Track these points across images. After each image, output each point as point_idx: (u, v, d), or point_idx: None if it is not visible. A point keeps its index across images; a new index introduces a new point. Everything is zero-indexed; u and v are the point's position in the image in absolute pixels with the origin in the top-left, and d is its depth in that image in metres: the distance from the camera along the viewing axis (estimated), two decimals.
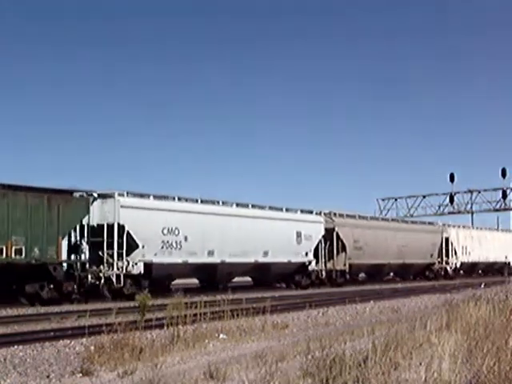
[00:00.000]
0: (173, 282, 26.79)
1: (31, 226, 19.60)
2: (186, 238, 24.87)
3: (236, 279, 29.99)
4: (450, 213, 52.37)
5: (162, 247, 24.05)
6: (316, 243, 31.98)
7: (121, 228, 22.66)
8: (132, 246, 22.95)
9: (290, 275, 31.04)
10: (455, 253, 45.17)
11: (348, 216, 35.91)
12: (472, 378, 5.66)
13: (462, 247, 46.08)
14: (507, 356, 5.97)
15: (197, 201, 26.58)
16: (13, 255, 19.02)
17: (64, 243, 21.19)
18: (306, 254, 31.26)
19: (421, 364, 5.95)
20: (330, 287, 31.81)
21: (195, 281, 28.70)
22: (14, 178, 21.48)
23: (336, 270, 33.50)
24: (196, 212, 25.88)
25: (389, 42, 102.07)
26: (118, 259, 22.53)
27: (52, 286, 20.24)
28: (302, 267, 31.20)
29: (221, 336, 11.51)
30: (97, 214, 22.54)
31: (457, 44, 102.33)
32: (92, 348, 9.66)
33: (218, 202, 27.73)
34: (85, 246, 22.24)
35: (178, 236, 24.62)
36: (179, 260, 24.60)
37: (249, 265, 28.26)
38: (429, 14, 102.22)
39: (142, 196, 24.42)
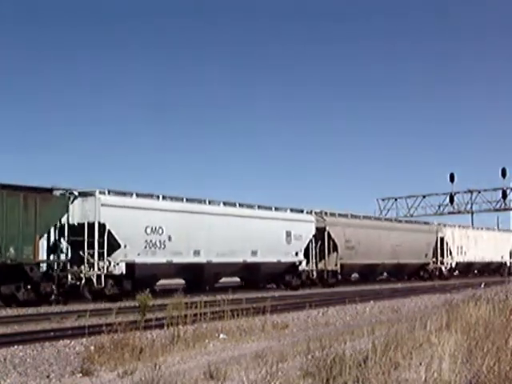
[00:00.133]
0: (158, 283, 26.21)
1: (6, 225, 18.99)
2: (170, 238, 24.26)
3: (224, 280, 29.51)
4: (449, 213, 52.38)
5: (146, 247, 23.44)
6: (306, 243, 31.47)
7: (101, 227, 22.04)
8: (114, 245, 22.33)
9: (280, 275, 30.47)
10: (450, 253, 44.66)
11: (340, 215, 35.25)
12: (472, 378, 5.66)
13: (458, 247, 45.61)
14: (507, 356, 5.97)
15: (182, 199, 25.94)
16: None
17: (43, 243, 20.74)
18: (296, 253, 30.75)
19: (421, 364, 5.95)
20: (322, 288, 31.22)
21: (182, 281, 27.94)
22: (20, 179, 21.26)
23: (327, 271, 32.89)
24: (181, 211, 25.23)
25: (388, 42, 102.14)
26: (99, 259, 21.92)
27: (29, 287, 19.58)
28: (292, 267, 30.66)
29: (221, 336, 11.51)
30: (78, 213, 22.02)
31: (457, 44, 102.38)
32: (92, 348, 9.67)
33: (205, 201, 27.07)
34: (65, 246, 21.69)
35: (161, 235, 24.03)
36: (163, 260, 24.03)
37: (237, 265, 27.70)
38: (429, 14, 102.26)
39: (124, 194, 23.76)
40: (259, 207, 29.73)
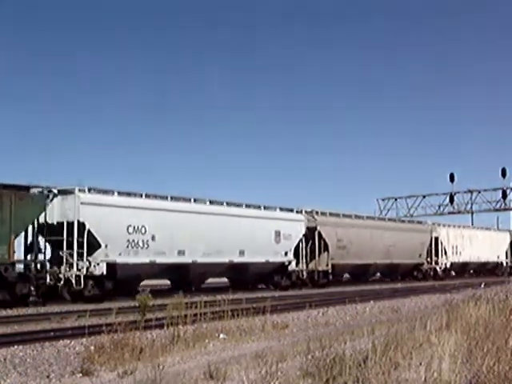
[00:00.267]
0: (143, 284, 25.44)
1: None
2: (153, 237, 23.66)
3: (212, 280, 29.01)
4: (449, 213, 52.39)
5: (128, 246, 22.77)
6: (296, 242, 30.86)
7: (81, 226, 21.38)
8: (94, 245, 21.73)
9: (269, 276, 29.89)
10: (445, 252, 43.99)
11: (331, 214, 34.55)
12: (472, 378, 5.66)
13: (453, 247, 44.94)
14: (507, 356, 5.98)
15: (166, 198, 25.38)
16: None
17: (20, 242, 20.18)
18: (286, 253, 30.15)
19: (421, 364, 5.95)
20: (312, 288, 30.56)
21: (167, 282, 27.55)
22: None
23: (318, 271, 32.27)
24: (165, 209, 24.58)
25: (388, 43, 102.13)
26: (79, 259, 21.28)
27: (4, 288, 18.90)
28: (282, 267, 30.08)
29: (221, 336, 11.51)
30: (57, 212, 21.44)
31: (457, 44, 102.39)
32: (92, 348, 9.66)
33: (190, 200, 26.44)
34: (44, 246, 21.11)
35: (144, 235, 23.40)
36: (146, 260, 23.43)
37: (223, 265, 27.07)
38: (429, 14, 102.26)
39: (105, 192, 23.14)
40: (247, 206, 29.15)
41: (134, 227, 23.09)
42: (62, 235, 21.24)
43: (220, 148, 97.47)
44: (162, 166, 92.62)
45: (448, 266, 44.49)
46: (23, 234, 20.43)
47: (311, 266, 31.96)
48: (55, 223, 21.42)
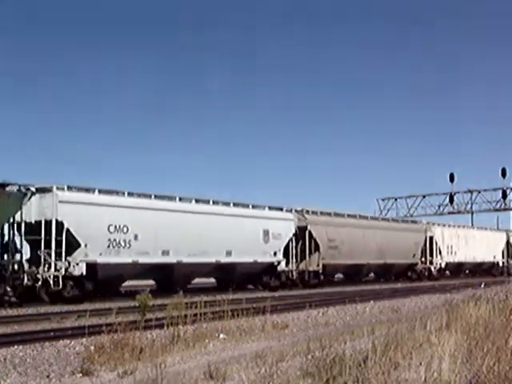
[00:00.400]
0: (125, 284, 25.34)
1: None
2: (136, 237, 23.02)
3: (199, 280, 28.38)
4: (449, 213, 52.37)
5: (109, 246, 22.14)
6: (286, 242, 30.20)
7: (59, 225, 20.82)
8: (73, 244, 21.17)
9: (257, 276, 29.20)
10: (440, 252, 43.32)
11: (322, 213, 33.77)
12: (472, 378, 5.66)
13: (448, 246, 44.24)
14: (507, 356, 5.97)
15: (150, 196, 24.65)
16: None
17: None
18: (275, 253, 29.50)
19: (421, 364, 5.95)
20: (303, 289, 29.86)
21: (152, 282, 26.84)
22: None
23: (308, 271, 31.52)
24: (148, 208, 23.93)
25: (388, 43, 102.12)
26: (57, 259, 20.72)
27: None
28: (271, 267, 29.40)
29: (221, 336, 11.51)
30: (35, 210, 20.94)
31: (457, 45, 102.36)
32: (92, 348, 9.66)
33: (175, 198, 25.74)
34: (21, 245, 20.41)
35: (126, 234, 22.73)
36: (128, 260, 22.77)
37: (210, 265, 26.40)
38: (429, 14, 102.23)
39: (85, 190, 22.47)
40: (235, 204, 28.45)
41: (116, 226, 22.49)
42: (41, 234, 20.78)
43: (220, 148, 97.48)
44: (162, 166, 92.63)
45: (443, 266, 43.84)
46: None
47: (302, 266, 31.32)
48: (33, 222, 20.96)
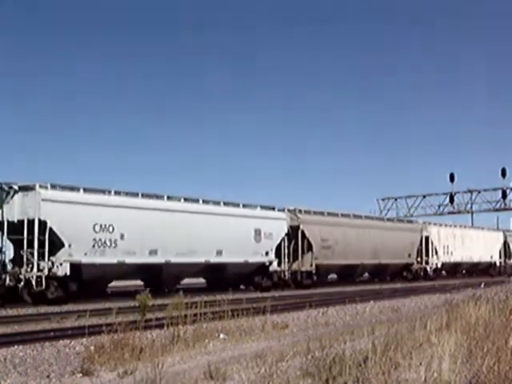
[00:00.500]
0: (112, 284, 24.85)
1: None
2: (122, 236, 22.40)
3: (189, 281, 27.91)
4: (449, 213, 52.35)
5: (94, 246, 21.53)
6: (278, 242, 29.62)
7: (42, 224, 20.25)
8: (57, 244, 20.62)
9: (249, 276, 28.53)
10: (436, 252, 42.78)
11: (315, 213, 33.19)
12: (472, 378, 5.66)
13: (444, 246, 43.67)
14: (507, 356, 5.97)
15: (137, 195, 23.95)
16: None
17: None
18: (267, 253, 28.85)
19: (421, 364, 5.95)
20: (295, 289, 29.34)
21: (140, 283, 25.98)
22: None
23: (301, 271, 30.92)
24: (134, 207, 23.27)
25: (388, 44, 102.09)
26: (40, 259, 20.14)
27: None
28: (262, 268, 28.77)
29: (221, 336, 11.50)
30: (17, 209, 20.44)
31: (457, 45, 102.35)
32: (92, 348, 9.65)
33: (163, 197, 25.06)
34: (3, 245, 20.08)
35: (112, 233, 22.12)
36: (114, 260, 22.15)
37: (199, 265, 25.75)
38: (429, 15, 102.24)
39: (70, 189, 21.83)
40: (225, 204, 27.88)
41: (101, 226, 21.89)
42: (23, 234, 20.23)
43: (220, 148, 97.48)
44: (162, 166, 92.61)
45: (439, 266, 43.31)
46: None
47: (294, 266, 30.80)
48: (16, 221, 20.48)
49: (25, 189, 20.76)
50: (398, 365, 6.06)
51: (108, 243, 22.03)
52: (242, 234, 27.61)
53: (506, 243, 53.26)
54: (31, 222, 20.27)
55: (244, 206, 28.81)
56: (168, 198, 25.23)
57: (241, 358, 7.92)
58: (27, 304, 19.75)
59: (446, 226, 45.71)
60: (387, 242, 37.24)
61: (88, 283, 21.66)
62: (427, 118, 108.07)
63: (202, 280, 29.11)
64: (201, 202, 26.62)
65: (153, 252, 23.70)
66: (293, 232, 30.77)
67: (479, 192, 51.42)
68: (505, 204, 50.35)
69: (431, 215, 51.98)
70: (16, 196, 20.54)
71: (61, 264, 20.54)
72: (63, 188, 21.65)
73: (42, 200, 20.50)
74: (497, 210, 52.36)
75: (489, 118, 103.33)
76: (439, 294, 25.20)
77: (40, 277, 20.03)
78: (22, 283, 19.92)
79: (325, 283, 33.68)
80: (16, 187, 20.61)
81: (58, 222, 20.66)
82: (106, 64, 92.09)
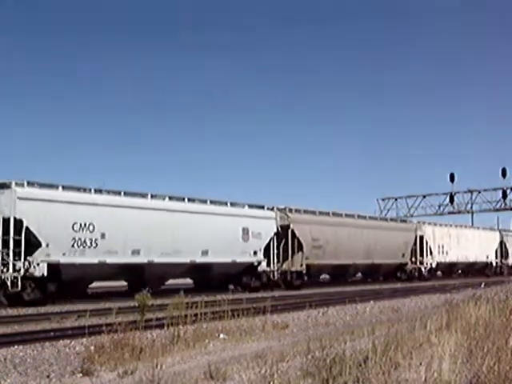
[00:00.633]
0: (95, 285, 24.26)
1: None
2: (103, 235, 21.72)
3: (176, 282, 27.06)
4: (450, 213, 52.30)
5: (73, 245, 20.86)
6: (267, 241, 28.87)
7: (18, 223, 19.62)
8: (34, 243, 19.98)
9: (236, 276, 27.92)
10: (431, 252, 42.07)
11: (306, 212, 32.48)
12: (472, 378, 5.66)
13: (439, 246, 42.94)
14: (507, 356, 5.97)
15: (119, 193, 23.21)
16: None
17: None
18: (255, 253, 28.13)
19: (421, 364, 5.95)
20: (285, 290, 28.73)
21: (124, 283, 25.58)
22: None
23: (291, 271, 30.28)
24: (116, 206, 22.53)
25: (388, 43, 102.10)
26: (16, 259, 19.54)
27: None
28: (251, 268, 28.08)
29: (221, 336, 11.50)
30: None
31: (457, 44, 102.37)
32: (92, 348, 9.65)
33: (146, 195, 24.36)
34: None
35: (92, 233, 21.45)
36: (94, 260, 21.45)
37: (184, 265, 25.01)
38: (428, 15, 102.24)
39: (48, 187, 21.09)
40: (212, 202, 27.12)
41: (81, 225, 21.18)
42: None
43: (220, 149, 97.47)
44: (162, 166, 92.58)
45: (434, 266, 42.63)
46: None
47: (284, 266, 30.14)
48: None
49: (0, 186, 20.18)
50: (398, 365, 6.06)
51: (88, 243, 21.39)
52: (228, 234, 26.92)
53: (502, 243, 52.76)
54: (6, 221, 19.65)
55: (231, 204, 28.09)
56: (152, 196, 24.60)
57: (241, 358, 7.92)
58: (27, 304, 19.52)
59: (440, 225, 45.17)
60: (380, 242, 36.56)
61: (67, 284, 21.03)
62: (427, 117, 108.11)
63: (189, 280, 28.50)
64: (186, 200, 25.93)
65: (135, 252, 23.04)
66: (283, 231, 30.16)
67: (479, 192, 51.40)
68: (505, 204, 50.30)
69: (431, 215, 51.97)
70: None
71: (38, 264, 19.94)
72: (41, 186, 20.95)
73: (18, 198, 19.89)
74: (497, 210, 52.31)
75: (489, 117, 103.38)
76: (439, 293, 25.20)
77: (16, 277, 19.46)
78: None
79: (316, 284, 33.05)
80: None
81: (35, 221, 20.04)
82: (106, 64, 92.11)
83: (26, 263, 19.78)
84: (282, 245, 29.98)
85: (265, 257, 28.88)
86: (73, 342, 11.37)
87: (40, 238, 20.13)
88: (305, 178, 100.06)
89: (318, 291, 27.83)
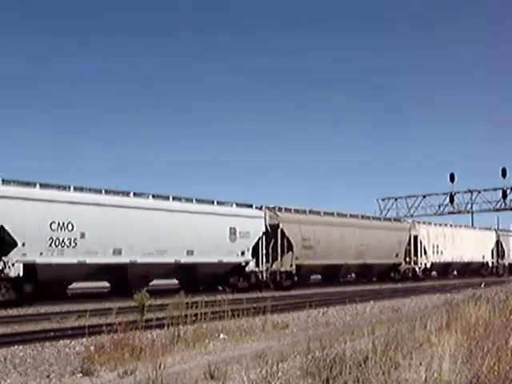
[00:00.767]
0: (76, 286, 23.69)
1: None
2: (82, 235, 21.07)
3: (163, 282, 26.60)
4: (450, 213, 52.27)
5: (51, 245, 20.21)
6: (255, 241, 28.24)
7: None
8: (9, 243, 19.46)
9: (224, 277, 27.30)
10: (425, 252, 41.51)
11: (296, 211, 31.75)
12: (472, 378, 5.66)
13: (433, 246, 42.40)
14: (507, 356, 5.97)
15: (100, 191, 22.58)
16: None
17: None
18: (243, 253, 27.52)
19: (421, 364, 5.95)
20: (275, 291, 27.88)
21: (106, 284, 24.94)
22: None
23: (280, 272, 29.66)
24: (97, 204, 21.90)
25: (388, 44, 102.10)
26: None
27: None
28: (238, 268, 27.50)
29: (221, 336, 11.50)
30: None
31: (457, 44, 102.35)
32: (92, 348, 9.66)
33: (129, 194, 23.61)
34: None
35: (71, 232, 20.79)
36: (74, 260, 20.82)
37: (168, 266, 24.37)
38: (429, 15, 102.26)
39: (23, 184, 20.44)
40: (197, 201, 26.47)
41: (59, 224, 20.51)
42: None
43: (220, 149, 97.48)
44: (162, 166, 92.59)
45: (428, 266, 42.09)
46: None
47: (274, 266, 29.54)
48: None
49: None
50: (398, 365, 6.06)
51: (67, 242, 20.74)
52: (215, 233, 26.30)
53: (498, 242, 52.24)
54: None
55: (218, 203, 27.52)
56: (135, 194, 23.97)
57: (241, 358, 7.92)
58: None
59: (435, 225, 44.66)
60: (373, 242, 35.91)
61: (45, 285, 20.41)
62: (427, 117, 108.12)
63: (175, 281, 27.61)
64: (171, 199, 25.33)
65: (117, 252, 22.39)
66: (272, 231, 29.53)
67: (479, 192, 51.37)
68: (505, 204, 50.23)
69: (431, 215, 51.97)
70: None
71: (13, 264, 19.43)
72: (17, 183, 20.37)
73: None
74: (497, 210, 52.23)
75: (489, 117, 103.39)
76: (439, 293, 25.22)
77: None
78: None
79: (307, 284, 32.53)
80: None
81: (10, 220, 19.49)
82: (106, 64, 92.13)
83: (1, 263, 19.38)
84: (271, 245, 29.47)
85: (253, 257, 28.30)
86: (73, 342, 11.37)
87: (15, 238, 19.61)
88: (305, 178, 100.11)
89: (308, 292, 27.31)
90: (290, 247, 30.39)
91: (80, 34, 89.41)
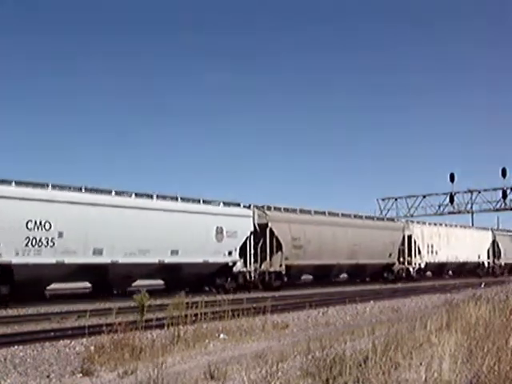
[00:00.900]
0: (54, 287, 23.06)
1: None
2: (60, 234, 20.48)
3: (148, 282, 25.57)
4: (450, 213, 52.25)
5: (27, 245, 19.61)
6: (243, 241, 27.58)
7: None
8: None
9: (210, 277, 26.54)
10: (419, 252, 40.76)
11: (286, 210, 31.09)
12: (472, 378, 5.66)
13: (428, 246, 41.65)
14: (507, 356, 5.97)
15: (80, 189, 21.84)
16: None
17: None
18: (230, 253, 26.88)
19: (421, 364, 5.95)
20: (264, 291, 27.03)
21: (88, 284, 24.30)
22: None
23: (269, 272, 28.96)
24: (75, 202, 21.21)
25: (388, 44, 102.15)
26: None
27: None
28: (225, 268, 26.82)
29: (221, 336, 11.50)
30: None
31: (457, 44, 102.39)
32: (92, 348, 9.66)
33: (110, 192, 22.93)
34: None
35: (49, 231, 20.17)
36: (52, 260, 20.19)
37: (152, 266, 23.68)
38: (428, 15, 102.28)
39: None
40: (183, 199, 25.77)
41: (36, 222, 19.88)
42: None
43: (220, 149, 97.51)
44: (162, 166, 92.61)
45: (422, 266, 41.33)
46: None
47: (263, 266, 28.88)
48: None
49: None
50: (399, 365, 6.06)
51: (44, 242, 20.08)
52: (201, 232, 25.62)
53: (494, 242, 51.59)
54: None
55: (204, 202, 26.76)
56: (116, 193, 23.23)
57: (241, 358, 7.92)
58: (27, 304, 19.42)
59: (429, 224, 44.12)
60: (366, 241, 35.17)
61: (21, 285, 19.86)
62: (427, 118, 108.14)
63: (161, 281, 26.91)
64: (155, 197, 24.59)
65: (97, 251, 21.73)
66: (261, 230, 28.86)
67: (479, 192, 51.36)
68: (505, 204, 50.19)
69: (431, 215, 51.96)
70: None
71: None
72: None
73: None
74: (497, 210, 52.20)
75: (489, 118, 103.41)
76: (439, 293, 25.23)
77: None
78: None
79: (297, 285, 31.90)
80: None
81: None
82: (106, 64, 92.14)
83: None
84: (260, 244, 28.79)
85: (241, 257, 27.66)
86: (73, 342, 11.37)
87: None
88: (305, 178, 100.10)
89: (297, 293, 26.76)
90: (280, 247, 29.74)
91: (80, 34, 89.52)
